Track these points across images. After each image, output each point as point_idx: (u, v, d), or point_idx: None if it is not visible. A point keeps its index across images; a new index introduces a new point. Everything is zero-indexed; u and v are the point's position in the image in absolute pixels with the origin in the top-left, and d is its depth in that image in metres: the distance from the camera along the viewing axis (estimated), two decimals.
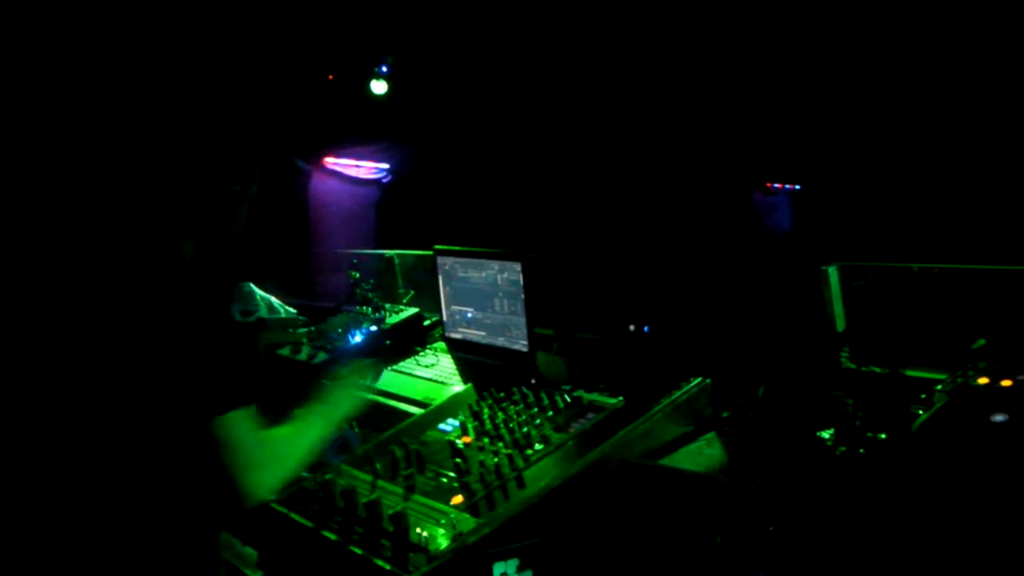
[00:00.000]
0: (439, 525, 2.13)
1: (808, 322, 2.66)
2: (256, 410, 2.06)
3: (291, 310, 4.08)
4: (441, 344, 3.45)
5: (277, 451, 2.14)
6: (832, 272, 2.66)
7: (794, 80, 6.66)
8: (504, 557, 2.06)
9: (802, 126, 6.96)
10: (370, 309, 3.68)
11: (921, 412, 1.95)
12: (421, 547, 2.06)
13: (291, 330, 3.80)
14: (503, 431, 2.49)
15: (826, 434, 2.21)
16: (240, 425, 2.01)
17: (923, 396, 2.07)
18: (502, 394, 2.77)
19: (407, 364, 3.37)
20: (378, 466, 2.46)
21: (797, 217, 8.02)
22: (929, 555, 1.66)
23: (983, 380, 1.99)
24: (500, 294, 3.06)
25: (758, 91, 6.90)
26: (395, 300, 3.91)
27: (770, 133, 7.26)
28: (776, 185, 8.18)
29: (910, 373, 2.34)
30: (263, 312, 3.93)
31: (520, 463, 2.33)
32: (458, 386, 3.00)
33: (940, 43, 5.71)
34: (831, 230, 6.90)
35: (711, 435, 2.53)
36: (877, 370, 2.32)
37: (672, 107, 7.25)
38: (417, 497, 2.31)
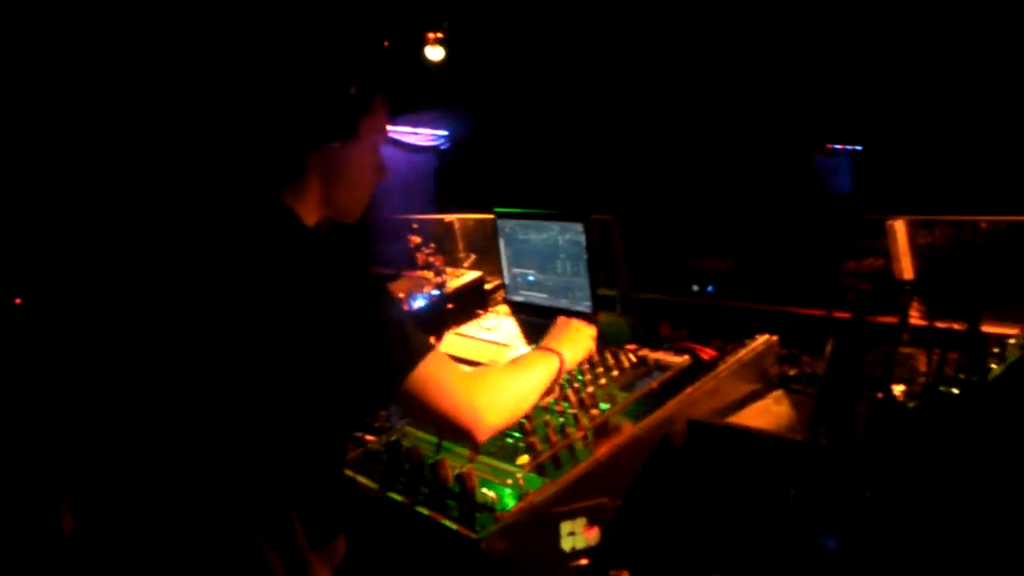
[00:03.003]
0: (505, 485, 2.14)
1: (874, 278, 2.61)
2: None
3: None
4: (503, 307, 3.46)
5: (487, 380, 2.10)
6: (899, 227, 2.61)
7: (853, 42, 6.55)
8: (571, 516, 2.07)
9: (863, 87, 6.85)
10: (432, 274, 3.69)
11: (994, 366, 1.92)
12: (488, 507, 2.07)
13: None
14: (568, 391, 2.49)
15: (897, 390, 2.18)
16: (434, 365, 1.93)
17: (996, 350, 2.03)
18: None
19: (470, 327, 3.37)
20: None
21: (858, 179, 7.91)
22: (1008, 513, 1.63)
23: None
24: (562, 255, 3.05)
25: (817, 53, 6.80)
26: (456, 264, 3.92)
27: (830, 95, 7.16)
28: (837, 146, 8.07)
29: (981, 328, 2.29)
30: None
31: (586, 422, 2.33)
32: (521, 348, 3.00)
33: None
34: (893, 191, 6.79)
35: (779, 392, 2.50)
36: (947, 325, 2.28)
37: (733, 69, 7.18)
38: (483, 458, 2.32)
